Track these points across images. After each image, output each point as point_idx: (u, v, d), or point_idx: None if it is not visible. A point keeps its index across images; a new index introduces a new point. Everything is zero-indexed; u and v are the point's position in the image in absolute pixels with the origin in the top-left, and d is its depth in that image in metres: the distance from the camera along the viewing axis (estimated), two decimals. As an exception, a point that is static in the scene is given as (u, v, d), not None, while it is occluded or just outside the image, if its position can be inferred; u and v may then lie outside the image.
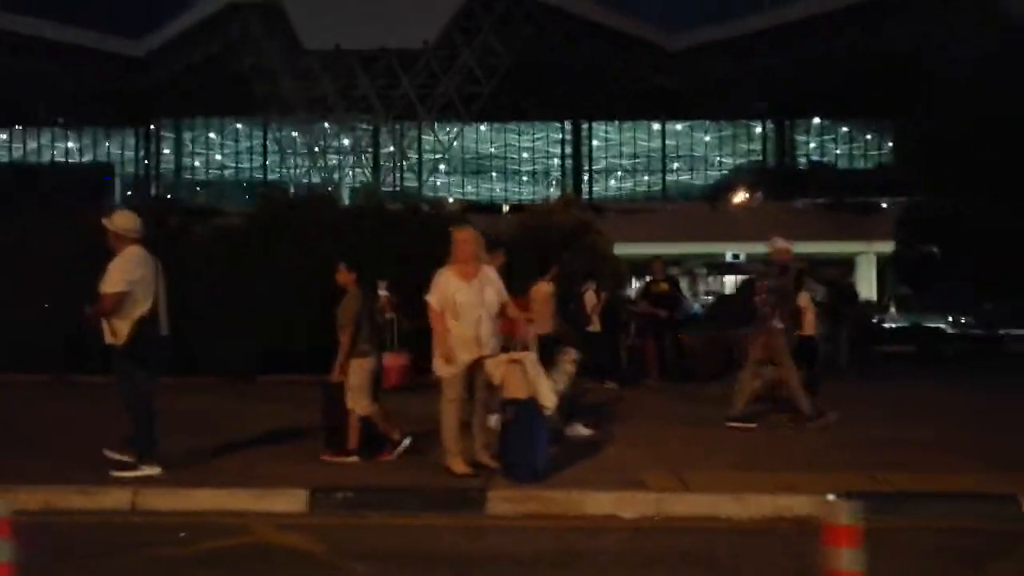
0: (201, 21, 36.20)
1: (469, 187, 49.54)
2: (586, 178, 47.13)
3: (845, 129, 44.31)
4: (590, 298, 10.78)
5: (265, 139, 46.48)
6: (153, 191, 44.17)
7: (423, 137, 45.06)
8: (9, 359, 11.65)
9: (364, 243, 12.12)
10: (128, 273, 5.44)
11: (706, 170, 45.87)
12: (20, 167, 41.08)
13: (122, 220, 5.68)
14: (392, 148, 42.02)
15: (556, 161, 50.54)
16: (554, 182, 50.87)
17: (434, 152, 42.30)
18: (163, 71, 38.62)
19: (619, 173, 48.96)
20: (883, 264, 32.99)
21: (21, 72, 36.42)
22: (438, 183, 47.43)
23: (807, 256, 12.59)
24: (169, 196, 40.43)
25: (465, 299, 5.29)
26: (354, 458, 5.79)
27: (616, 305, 11.41)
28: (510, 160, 50.54)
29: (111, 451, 5.44)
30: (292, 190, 43.61)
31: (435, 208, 15.06)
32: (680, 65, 37.55)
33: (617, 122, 46.73)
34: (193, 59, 37.36)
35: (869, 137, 44.83)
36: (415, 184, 42.57)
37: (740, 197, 38.51)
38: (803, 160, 43.72)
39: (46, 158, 45.47)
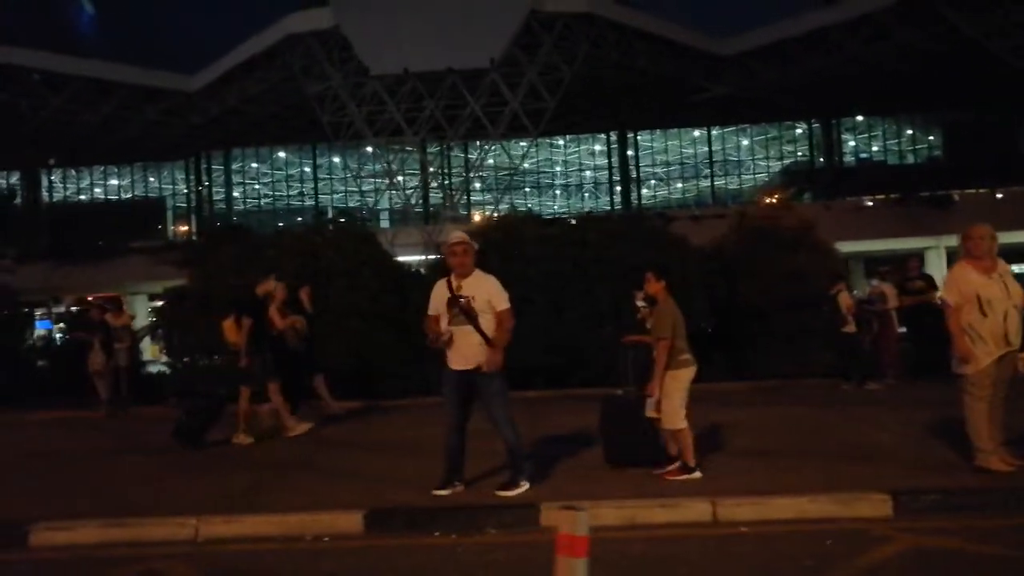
0: (256, 54, 36.23)
1: (505, 204, 49.77)
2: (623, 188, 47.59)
3: (891, 126, 44.73)
4: (844, 299, 10.89)
5: (315, 166, 46.70)
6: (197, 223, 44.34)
7: (459, 155, 45.65)
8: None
9: (589, 257, 12.26)
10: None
11: (754, 173, 46.21)
12: (78, 207, 41.20)
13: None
14: (432, 169, 42.42)
15: (589, 173, 50.99)
16: (586, 195, 51.34)
17: (477, 170, 42.54)
18: (216, 105, 38.70)
19: (652, 182, 49.38)
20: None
21: (74, 111, 36.56)
22: (472, 200, 47.67)
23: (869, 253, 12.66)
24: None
25: (991, 294, 5.34)
26: (697, 474, 5.75)
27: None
28: (550, 175, 50.93)
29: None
30: (330, 215, 44.21)
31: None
32: (730, 71, 37.91)
33: (659, 131, 47.16)
34: (249, 91, 37.46)
35: (911, 132, 45.28)
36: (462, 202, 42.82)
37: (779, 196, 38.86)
38: (851, 159, 44.10)
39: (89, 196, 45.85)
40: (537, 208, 48.87)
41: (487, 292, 5.52)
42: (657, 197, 48.79)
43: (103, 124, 37.95)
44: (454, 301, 5.46)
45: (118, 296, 14.46)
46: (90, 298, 30.37)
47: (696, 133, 47.58)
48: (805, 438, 7.30)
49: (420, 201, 40.99)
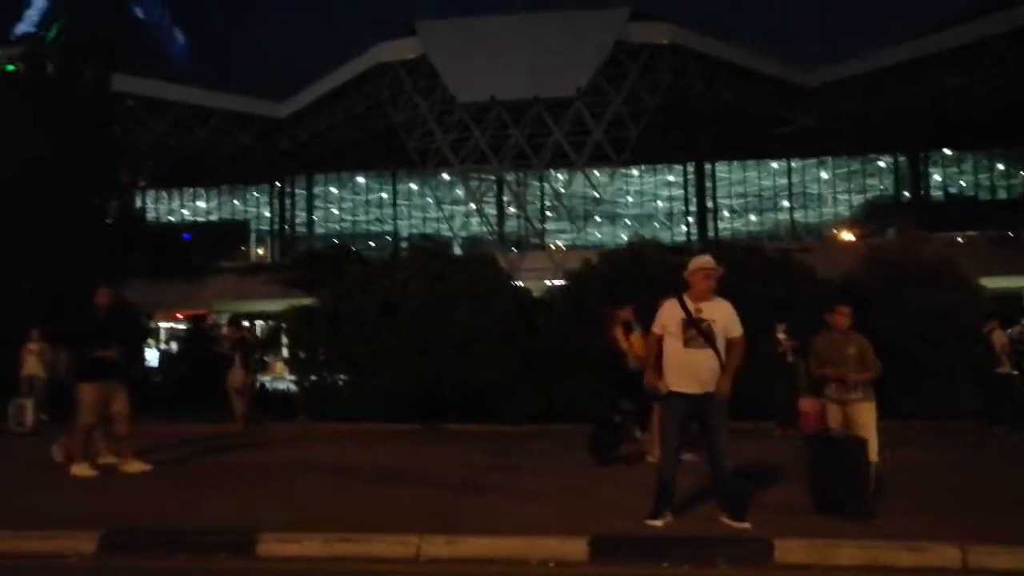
0: (345, 83, 37.18)
1: (575, 232, 49.62)
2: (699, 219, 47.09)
3: (982, 160, 43.39)
4: (999, 338, 10.45)
5: (395, 193, 47.55)
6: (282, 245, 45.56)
7: (537, 184, 45.81)
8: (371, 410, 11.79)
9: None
10: None
11: (835, 207, 45.29)
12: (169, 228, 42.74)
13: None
14: (507, 197, 42.87)
15: (661, 204, 50.59)
16: (657, 225, 50.84)
17: (562, 198, 42.66)
18: (303, 131, 39.77)
19: (725, 213, 48.69)
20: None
21: (172, 136, 38.02)
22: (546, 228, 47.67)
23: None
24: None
25: None
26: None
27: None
28: (622, 205, 50.67)
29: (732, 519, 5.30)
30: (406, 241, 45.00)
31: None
32: (814, 102, 37.37)
33: (736, 162, 46.68)
34: (335, 118, 38.41)
35: (1003, 166, 43.84)
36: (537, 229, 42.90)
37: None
38: (939, 193, 42.86)
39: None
40: (609, 238, 48.82)
41: (726, 317, 5.44)
42: (731, 229, 48.15)
43: (196, 148, 39.37)
44: (693, 323, 5.35)
45: (240, 316, 14.72)
46: (180, 314, 31.11)
47: (774, 165, 46.96)
48: (1006, 484, 6.93)
49: (495, 228, 41.27)
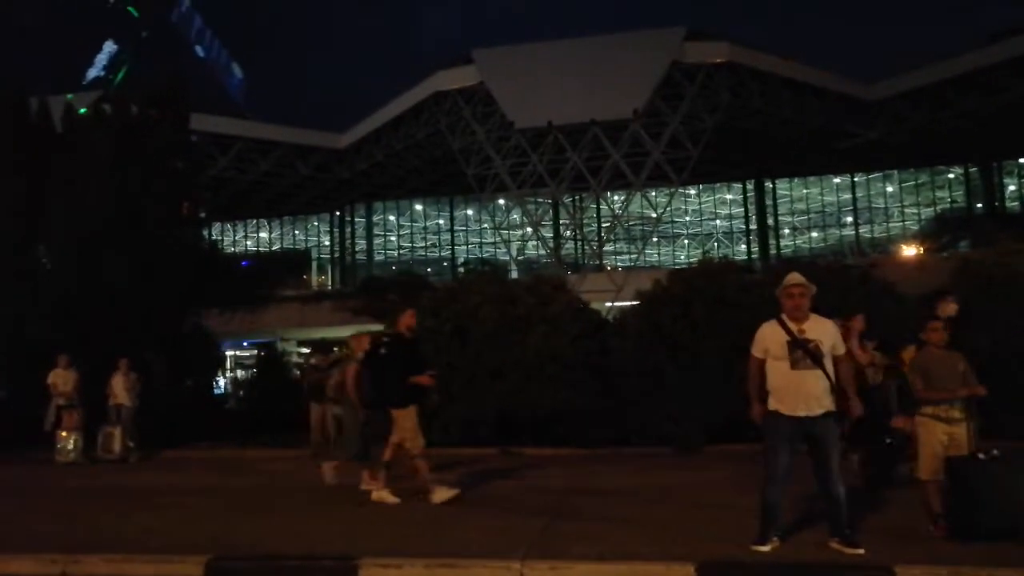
0: (403, 112, 37.83)
1: (634, 253, 49.15)
2: (760, 237, 46.23)
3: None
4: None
5: (452, 219, 48.02)
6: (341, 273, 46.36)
7: (593, 206, 45.74)
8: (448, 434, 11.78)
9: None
10: None
11: (903, 221, 44.01)
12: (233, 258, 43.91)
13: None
14: (564, 220, 42.85)
15: (720, 223, 49.85)
16: (716, 244, 50.07)
17: (621, 220, 42.44)
18: (363, 160, 40.54)
19: (786, 231, 47.70)
20: None
21: (236, 169, 39.19)
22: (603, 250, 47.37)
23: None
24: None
25: None
26: None
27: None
28: (680, 225, 50.15)
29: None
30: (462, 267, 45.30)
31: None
32: (879, 115, 36.54)
33: (797, 178, 45.83)
34: (394, 147, 39.05)
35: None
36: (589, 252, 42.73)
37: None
38: (1015, 204, 41.26)
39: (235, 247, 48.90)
40: (668, 259, 48.32)
41: (831, 336, 5.27)
42: (793, 246, 47.19)
43: (259, 181, 40.51)
44: (799, 344, 5.18)
45: (322, 344, 14.98)
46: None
47: (837, 180, 45.98)
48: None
49: (553, 250, 41.25)
